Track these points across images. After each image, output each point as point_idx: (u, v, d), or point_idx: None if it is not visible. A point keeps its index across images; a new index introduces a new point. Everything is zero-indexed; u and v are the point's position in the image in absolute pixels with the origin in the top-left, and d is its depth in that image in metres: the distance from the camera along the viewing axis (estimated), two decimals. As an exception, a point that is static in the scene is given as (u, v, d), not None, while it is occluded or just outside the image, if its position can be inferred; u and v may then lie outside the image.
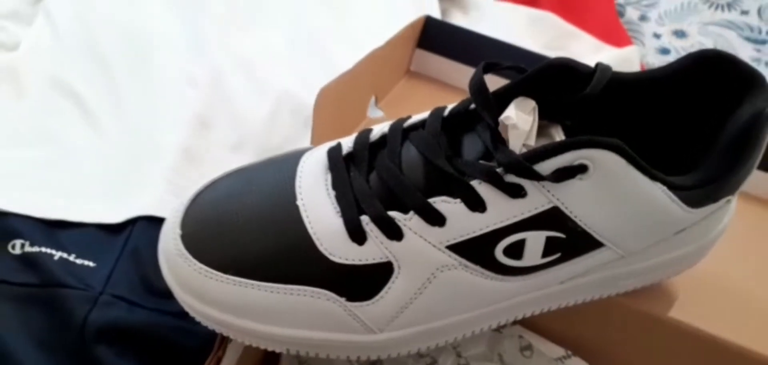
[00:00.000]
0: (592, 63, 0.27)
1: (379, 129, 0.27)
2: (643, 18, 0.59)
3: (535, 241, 0.25)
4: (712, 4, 0.59)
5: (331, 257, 0.25)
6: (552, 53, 0.43)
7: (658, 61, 0.56)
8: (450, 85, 0.48)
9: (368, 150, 0.26)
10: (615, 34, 0.57)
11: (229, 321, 0.26)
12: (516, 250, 0.25)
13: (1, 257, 0.38)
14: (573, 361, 0.34)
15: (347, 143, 0.27)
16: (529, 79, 0.26)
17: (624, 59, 0.54)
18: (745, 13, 0.58)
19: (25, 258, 0.38)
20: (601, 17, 0.58)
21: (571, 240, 0.25)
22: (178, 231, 0.26)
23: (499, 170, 0.24)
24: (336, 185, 0.26)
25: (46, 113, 0.46)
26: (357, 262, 0.25)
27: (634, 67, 0.54)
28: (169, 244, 0.26)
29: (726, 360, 0.31)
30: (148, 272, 0.39)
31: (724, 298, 0.33)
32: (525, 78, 0.26)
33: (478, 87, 0.25)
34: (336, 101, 0.35)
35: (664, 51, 0.57)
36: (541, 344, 0.35)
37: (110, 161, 0.44)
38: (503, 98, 0.25)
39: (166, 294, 0.38)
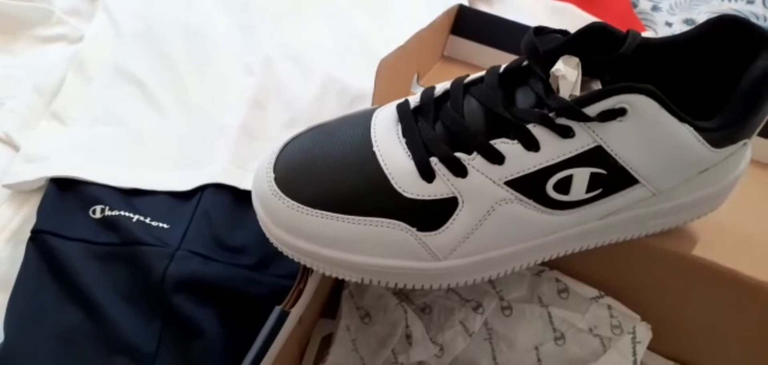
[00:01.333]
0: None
1: (441, 86, 0.32)
2: (655, 8, 0.64)
3: (580, 177, 0.29)
4: (720, -6, 0.64)
5: (405, 193, 0.29)
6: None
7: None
8: (481, 67, 0.52)
9: (433, 103, 0.31)
10: (629, 23, 0.61)
11: (315, 251, 0.30)
12: (564, 185, 0.29)
13: (84, 220, 0.43)
14: (605, 300, 0.38)
15: (413, 99, 0.31)
16: (572, 40, 0.30)
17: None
18: (750, 2, 0.63)
19: (106, 221, 0.43)
20: (616, 8, 0.62)
21: (611, 177, 0.29)
22: (271, 175, 0.30)
23: (551, 114, 0.28)
24: (406, 133, 0.30)
25: (113, 97, 0.51)
26: (426, 197, 0.29)
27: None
28: (263, 186, 0.30)
29: (743, 293, 0.35)
30: (219, 231, 0.43)
31: (741, 241, 0.37)
32: (568, 39, 0.30)
33: (531, 46, 0.29)
34: (390, 72, 0.40)
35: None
36: (576, 286, 0.39)
37: (175, 139, 0.49)
38: (550, 57, 0.29)
39: (237, 250, 0.43)
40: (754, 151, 0.47)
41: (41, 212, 0.43)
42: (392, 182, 0.29)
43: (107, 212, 0.43)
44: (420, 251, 0.30)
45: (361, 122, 0.31)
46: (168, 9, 0.58)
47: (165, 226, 0.43)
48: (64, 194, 0.44)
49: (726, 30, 0.31)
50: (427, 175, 0.29)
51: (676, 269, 0.36)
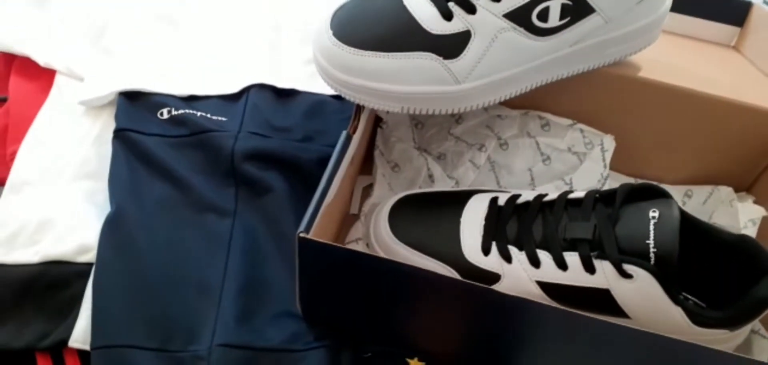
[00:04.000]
0: None
1: (447, -43, 0.42)
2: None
3: (555, 7, 0.40)
4: None
5: (431, 31, 0.40)
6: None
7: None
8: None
9: (444, -32, 0.41)
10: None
11: (366, 84, 0.40)
12: (544, 15, 0.41)
13: (154, 121, 0.52)
14: (578, 125, 0.50)
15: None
16: None
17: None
18: None
19: (173, 119, 0.52)
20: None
21: (575, 6, 0.41)
22: (330, 31, 0.41)
23: (530, -40, 0.39)
24: (427, -10, 0.41)
25: (151, 32, 0.59)
26: (447, 32, 0.40)
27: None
28: (324, 39, 0.41)
29: (676, 101, 0.47)
30: (268, 117, 0.52)
31: (673, 68, 0.49)
32: None
33: None
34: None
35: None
36: (555, 118, 0.51)
37: (211, 57, 0.58)
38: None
39: (285, 129, 0.53)
40: (674, 24, 0.62)
41: (118, 116, 0.51)
42: (421, 24, 0.40)
43: (173, 112, 0.52)
44: (445, 76, 0.41)
45: (391, -11, 0.42)
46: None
47: (223, 119, 0.52)
48: (133, 102, 0.52)
49: None
50: (447, 15, 0.40)
51: (629, 91, 0.48)
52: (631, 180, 0.54)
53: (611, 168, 0.51)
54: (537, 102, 0.51)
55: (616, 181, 0.53)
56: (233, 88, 0.55)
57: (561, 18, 0.41)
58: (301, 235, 0.35)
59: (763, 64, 0.56)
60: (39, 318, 0.42)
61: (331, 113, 0.55)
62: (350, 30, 0.41)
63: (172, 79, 0.55)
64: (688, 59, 0.56)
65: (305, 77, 0.57)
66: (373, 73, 0.40)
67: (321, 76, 0.42)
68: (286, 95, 0.55)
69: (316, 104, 0.55)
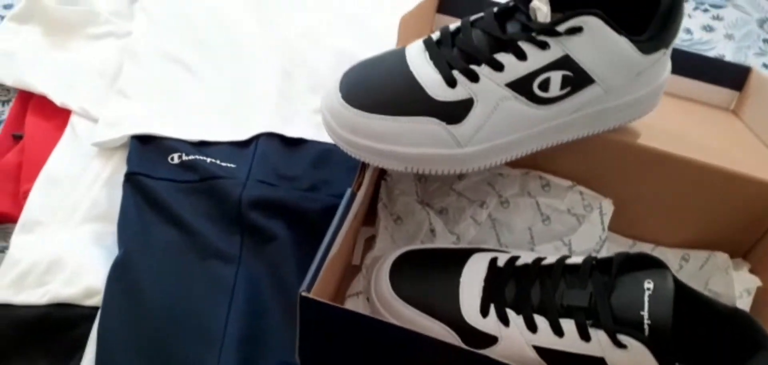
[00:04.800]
0: None
1: (453, 25, 0.44)
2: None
3: (555, 78, 0.42)
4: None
5: (435, 97, 0.41)
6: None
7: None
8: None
9: (450, 35, 0.43)
10: None
11: (371, 145, 0.42)
12: (545, 85, 0.42)
13: (165, 165, 0.53)
14: (578, 188, 0.51)
15: (434, 34, 0.44)
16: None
17: None
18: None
19: (184, 164, 0.53)
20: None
21: (575, 77, 0.42)
22: (338, 93, 0.42)
23: (533, 34, 0.41)
24: (432, 56, 0.42)
25: (164, 76, 0.61)
26: (451, 99, 0.41)
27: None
28: (333, 100, 0.42)
29: (675, 170, 0.48)
30: (276, 166, 0.54)
31: (672, 135, 0.50)
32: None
33: (517, -9, 0.42)
34: (404, 27, 0.52)
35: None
36: (555, 179, 0.52)
37: (222, 103, 0.60)
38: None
39: (293, 178, 0.54)
40: (674, 86, 0.63)
41: (130, 160, 0.53)
42: (426, 90, 0.42)
43: (184, 158, 0.53)
44: (448, 139, 0.42)
45: (398, 54, 0.44)
46: (195, 5, 0.69)
47: (232, 165, 0.54)
48: (145, 146, 0.54)
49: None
50: (451, 83, 0.41)
51: (627, 156, 0.49)
52: (629, 242, 0.55)
53: (610, 228, 0.52)
54: (538, 162, 0.52)
55: (614, 242, 0.54)
56: (243, 135, 0.56)
57: (562, 88, 0.43)
58: (303, 294, 0.36)
59: (761, 130, 0.57)
60: (44, 359, 0.43)
61: (338, 162, 0.56)
62: (358, 93, 0.42)
63: (184, 123, 0.57)
64: (686, 124, 0.57)
65: (313, 126, 0.58)
66: (379, 134, 0.42)
67: (329, 134, 0.44)
68: (294, 144, 0.56)
69: (324, 153, 0.56)
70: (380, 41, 0.65)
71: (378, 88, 0.42)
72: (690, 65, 0.62)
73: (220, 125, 0.57)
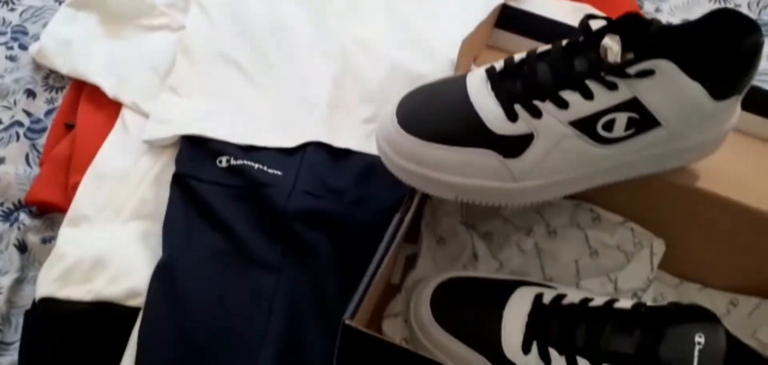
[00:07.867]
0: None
1: (518, 56, 0.43)
2: (657, 10, 0.76)
3: (621, 119, 0.40)
4: (711, -1, 0.76)
5: (495, 130, 0.40)
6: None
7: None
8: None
9: (514, 66, 0.42)
10: (636, 20, 0.73)
11: (426, 174, 0.41)
12: (609, 125, 0.41)
13: (213, 168, 0.53)
14: (628, 224, 0.50)
15: (498, 64, 0.43)
16: (614, 23, 0.41)
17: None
18: (738, 5, 0.75)
19: (231, 169, 0.53)
20: (626, 9, 0.74)
21: (642, 120, 0.41)
22: (395, 119, 0.41)
23: (602, 73, 0.39)
24: (495, 88, 0.41)
25: (216, 75, 0.61)
26: (510, 133, 0.40)
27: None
28: (389, 127, 0.42)
29: (734, 216, 0.47)
30: (322, 177, 0.54)
31: (733, 179, 0.48)
32: (611, 23, 0.41)
33: (585, 28, 0.40)
34: (465, 52, 0.51)
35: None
36: (606, 214, 0.50)
37: (272, 109, 0.59)
38: (600, 35, 0.41)
39: (338, 191, 0.54)
40: (745, 124, 0.61)
41: (179, 160, 0.53)
42: (486, 122, 0.41)
43: (232, 162, 0.53)
44: (504, 172, 0.41)
45: (459, 81, 0.43)
46: (252, 3, 0.68)
47: (279, 173, 0.53)
48: (195, 147, 0.54)
49: (724, 18, 0.43)
50: (512, 117, 0.40)
51: (684, 198, 0.47)
52: (676, 280, 0.54)
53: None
54: (589, 194, 0.50)
55: (659, 279, 0.52)
56: (291, 142, 0.56)
57: (626, 129, 0.41)
58: (347, 322, 0.36)
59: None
60: (83, 358, 0.44)
61: (384, 176, 0.55)
62: (415, 121, 0.41)
63: (233, 125, 0.56)
64: (747, 165, 0.54)
65: (361, 137, 0.57)
66: (434, 163, 0.41)
67: (383, 159, 0.43)
68: (341, 155, 0.56)
69: (370, 166, 0.55)
70: (435, 55, 0.64)
71: (436, 117, 0.41)
72: (761, 101, 0.59)
73: (269, 131, 0.57)
